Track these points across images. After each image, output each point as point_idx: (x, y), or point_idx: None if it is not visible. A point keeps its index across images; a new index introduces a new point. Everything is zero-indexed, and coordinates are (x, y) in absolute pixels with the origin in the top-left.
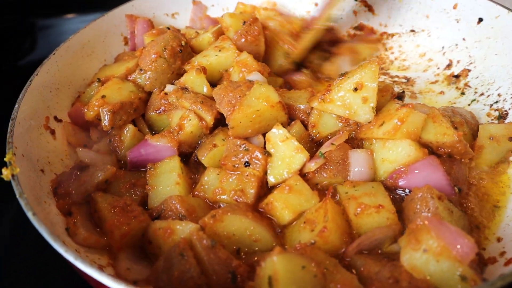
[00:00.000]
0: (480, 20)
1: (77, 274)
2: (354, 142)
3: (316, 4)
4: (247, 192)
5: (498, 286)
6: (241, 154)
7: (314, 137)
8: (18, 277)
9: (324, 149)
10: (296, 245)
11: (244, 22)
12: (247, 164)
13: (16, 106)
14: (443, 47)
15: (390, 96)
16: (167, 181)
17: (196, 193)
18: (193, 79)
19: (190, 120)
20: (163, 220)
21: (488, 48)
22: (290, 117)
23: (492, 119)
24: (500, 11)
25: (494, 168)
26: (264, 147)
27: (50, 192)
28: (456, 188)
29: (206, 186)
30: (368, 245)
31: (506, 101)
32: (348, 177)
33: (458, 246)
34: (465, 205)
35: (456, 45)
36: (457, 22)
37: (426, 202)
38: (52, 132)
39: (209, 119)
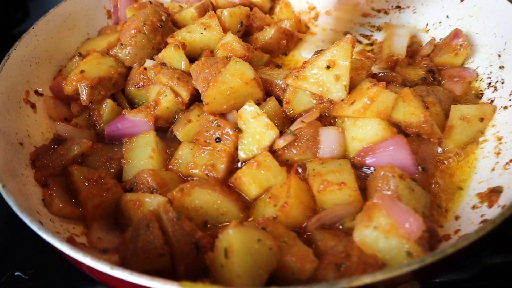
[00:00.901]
0: None
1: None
2: (327, 119)
3: None
4: (218, 167)
5: (428, 262)
6: (213, 130)
7: (288, 113)
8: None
9: (294, 126)
10: (259, 219)
11: (241, 23)
12: (218, 139)
13: None
14: (427, 25)
15: (366, 74)
16: (141, 155)
17: (170, 167)
18: (171, 55)
19: (166, 96)
20: (135, 192)
21: (470, 27)
22: (268, 93)
23: (468, 99)
24: None
25: (463, 148)
26: None
27: (28, 165)
28: (420, 167)
29: (180, 160)
30: (328, 220)
31: (483, 81)
32: (317, 154)
33: (407, 225)
34: (431, 184)
35: (440, 22)
36: None
37: (387, 180)
38: (33, 106)
39: (185, 95)
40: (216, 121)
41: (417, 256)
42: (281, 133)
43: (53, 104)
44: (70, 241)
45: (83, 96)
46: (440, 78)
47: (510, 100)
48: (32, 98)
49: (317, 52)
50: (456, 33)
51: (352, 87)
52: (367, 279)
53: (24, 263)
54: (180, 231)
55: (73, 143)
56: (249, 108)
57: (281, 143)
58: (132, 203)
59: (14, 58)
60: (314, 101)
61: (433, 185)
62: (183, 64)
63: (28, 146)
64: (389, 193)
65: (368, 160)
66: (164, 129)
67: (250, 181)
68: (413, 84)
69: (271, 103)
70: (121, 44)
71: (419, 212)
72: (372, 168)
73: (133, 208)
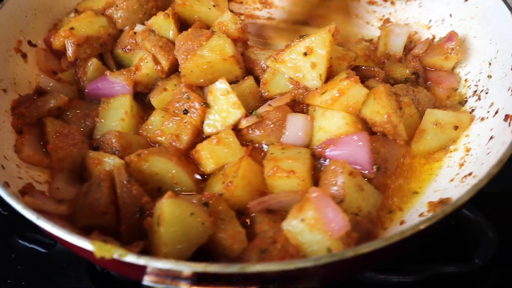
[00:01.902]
0: None
1: None
2: (300, 106)
3: None
4: (181, 137)
5: (323, 262)
6: (182, 102)
7: (264, 95)
8: None
9: (261, 109)
10: (205, 193)
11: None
12: (185, 111)
13: None
14: (430, 21)
15: (347, 65)
16: (114, 116)
17: (140, 131)
18: (160, 23)
19: (147, 62)
20: (100, 151)
21: (470, 29)
22: (251, 72)
23: (450, 104)
24: None
25: (431, 154)
26: None
27: (8, 111)
28: (375, 167)
29: (150, 127)
30: (273, 205)
31: (469, 88)
32: (281, 139)
33: (333, 224)
34: (388, 185)
35: (443, 20)
36: None
37: (335, 175)
38: (24, 56)
39: (164, 64)
40: (187, 93)
41: (337, 247)
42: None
43: (44, 57)
44: (28, 188)
45: (69, 53)
46: (424, 81)
47: (488, 112)
48: (24, 48)
49: (301, 37)
50: (450, 36)
51: (331, 77)
52: (260, 267)
53: None
54: (128, 193)
55: (51, 97)
56: (220, 85)
57: (244, 123)
58: (92, 161)
59: (8, 7)
60: (291, 86)
61: (391, 187)
62: (171, 33)
63: (13, 94)
64: (335, 188)
65: (327, 152)
66: (144, 95)
67: (207, 156)
68: (396, 82)
69: (248, 82)
70: (116, 6)
71: (364, 211)
72: (328, 161)
73: (93, 165)
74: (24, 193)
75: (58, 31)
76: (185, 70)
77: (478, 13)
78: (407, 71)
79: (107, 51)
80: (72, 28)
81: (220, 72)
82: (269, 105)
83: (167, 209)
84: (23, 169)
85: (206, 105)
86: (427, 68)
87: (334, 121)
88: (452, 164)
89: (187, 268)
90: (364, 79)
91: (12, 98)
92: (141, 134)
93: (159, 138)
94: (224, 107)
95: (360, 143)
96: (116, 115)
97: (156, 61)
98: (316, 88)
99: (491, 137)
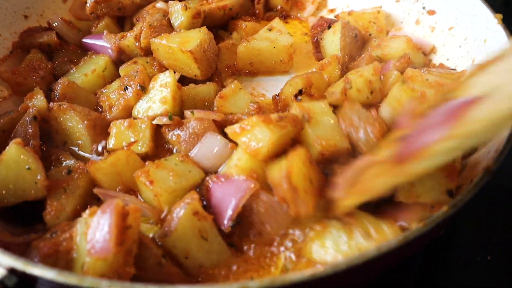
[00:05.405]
0: None
1: None
2: None
3: None
4: (112, 109)
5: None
6: (129, 78)
7: (214, 108)
8: None
9: (185, 113)
10: (81, 163)
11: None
12: (126, 88)
13: None
14: None
15: None
16: (83, 70)
17: (97, 91)
18: (175, 11)
19: (130, 35)
20: (51, 93)
21: None
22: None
23: None
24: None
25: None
26: None
27: (17, 32)
28: (230, 222)
29: (105, 90)
30: None
31: None
32: (190, 152)
33: (97, 242)
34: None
35: None
36: None
37: (179, 206)
38: None
39: (142, 41)
40: (137, 72)
41: (89, 269)
42: None
43: (80, 4)
44: None
45: (87, 5)
46: None
47: None
48: None
49: None
50: None
51: None
52: None
53: None
54: (23, 130)
55: (46, 34)
56: (163, 76)
57: (155, 121)
58: (30, 94)
59: None
60: (252, 108)
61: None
62: (177, 22)
63: (33, 22)
64: (169, 217)
65: (211, 184)
66: None
67: (113, 133)
68: None
69: (205, 88)
70: None
71: (193, 259)
72: None
73: (27, 97)
74: None
75: None
76: (153, 46)
77: None
78: None
79: (128, 17)
80: None
81: (180, 62)
82: (191, 112)
83: (9, 152)
84: None
85: (142, 89)
86: None
87: (234, 157)
88: None
89: None
90: None
91: (30, 25)
92: (96, 94)
93: (102, 103)
94: (155, 98)
95: (237, 190)
96: (85, 70)
97: (138, 37)
98: None
99: None
